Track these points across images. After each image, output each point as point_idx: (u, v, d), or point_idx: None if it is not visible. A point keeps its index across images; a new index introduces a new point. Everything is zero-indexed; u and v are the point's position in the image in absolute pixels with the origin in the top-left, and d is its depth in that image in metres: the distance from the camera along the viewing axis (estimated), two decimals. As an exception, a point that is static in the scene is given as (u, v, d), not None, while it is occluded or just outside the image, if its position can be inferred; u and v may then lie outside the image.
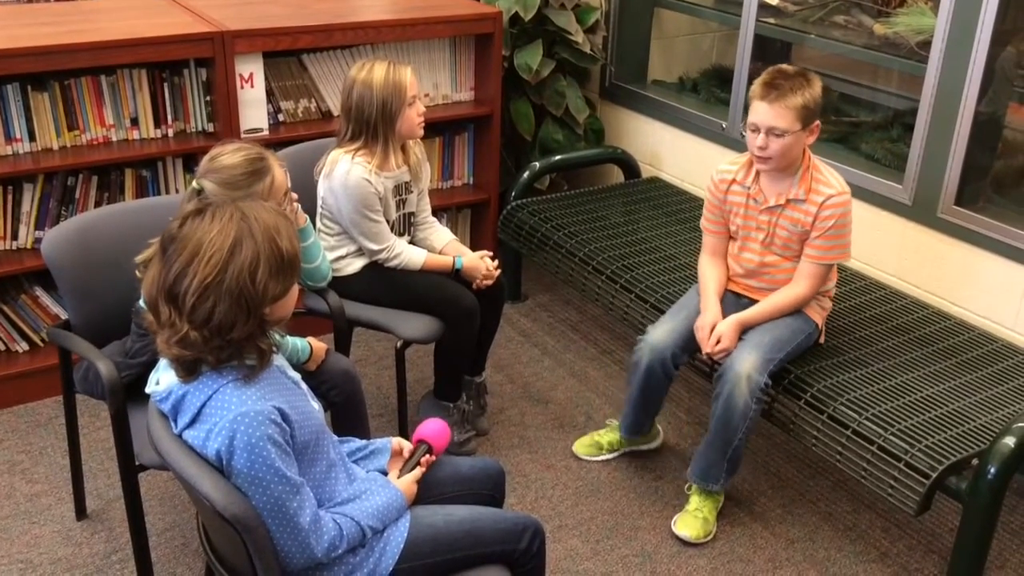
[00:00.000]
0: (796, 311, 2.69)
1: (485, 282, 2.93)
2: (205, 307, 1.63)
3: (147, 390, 1.80)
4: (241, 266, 1.64)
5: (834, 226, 2.58)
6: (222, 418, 1.65)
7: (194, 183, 2.20)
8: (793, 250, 2.66)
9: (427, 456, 2.02)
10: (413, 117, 2.77)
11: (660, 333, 2.76)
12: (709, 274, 2.78)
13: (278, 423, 1.68)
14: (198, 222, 1.66)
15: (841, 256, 2.65)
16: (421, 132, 2.84)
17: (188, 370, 1.70)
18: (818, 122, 2.55)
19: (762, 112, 2.50)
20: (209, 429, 1.67)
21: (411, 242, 2.96)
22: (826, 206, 2.56)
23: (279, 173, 2.26)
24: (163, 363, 1.78)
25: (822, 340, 2.82)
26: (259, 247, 1.65)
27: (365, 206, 2.75)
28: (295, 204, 2.44)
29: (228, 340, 1.66)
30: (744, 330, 2.66)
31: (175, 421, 1.74)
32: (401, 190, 2.87)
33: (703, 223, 2.82)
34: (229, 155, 2.21)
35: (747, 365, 2.55)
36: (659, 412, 2.99)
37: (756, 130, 2.53)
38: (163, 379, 1.76)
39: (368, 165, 2.73)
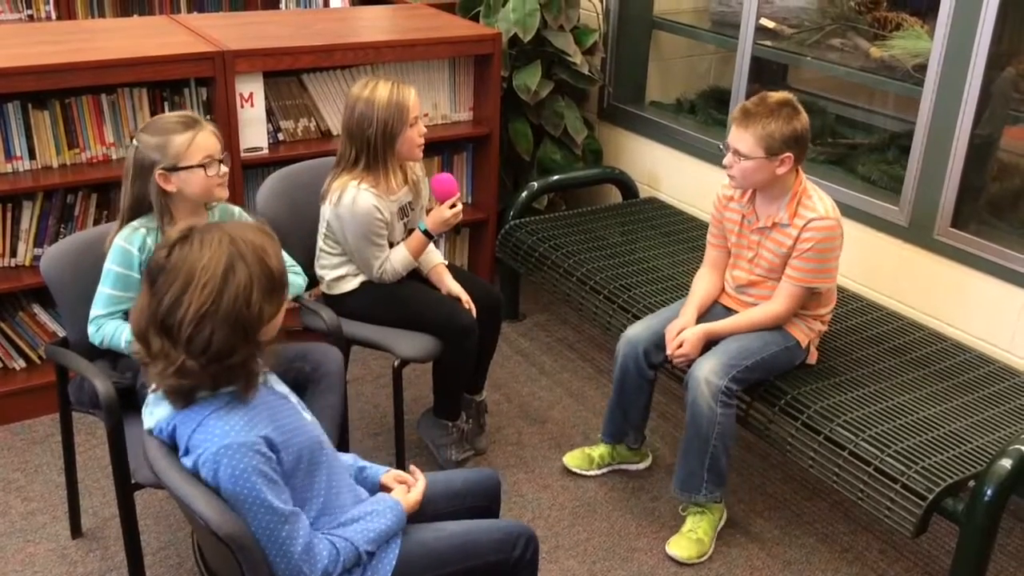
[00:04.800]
0: (771, 328, 2.70)
1: (454, 219, 2.82)
2: (203, 336, 1.62)
3: (145, 426, 1.80)
4: (236, 291, 1.62)
5: (812, 249, 2.58)
6: (206, 450, 1.65)
7: (132, 141, 2.33)
8: (778, 272, 2.68)
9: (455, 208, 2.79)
10: (414, 138, 2.76)
11: (636, 329, 2.85)
12: (699, 284, 2.86)
13: (264, 453, 1.66)
14: (187, 249, 1.64)
15: (820, 281, 2.63)
16: (420, 155, 2.83)
17: (185, 398, 1.69)
18: (790, 154, 2.53)
19: (731, 132, 2.60)
20: (195, 460, 1.67)
21: None
22: (807, 228, 2.58)
23: (209, 134, 2.34)
24: (152, 398, 1.76)
25: (811, 360, 2.81)
26: (251, 269, 1.65)
27: (371, 232, 2.74)
28: (223, 177, 2.39)
29: (227, 366, 1.65)
30: (717, 340, 2.70)
31: None
32: (406, 210, 2.88)
33: (707, 236, 2.88)
34: (164, 115, 2.40)
35: (706, 369, 2.61)
36: (643, 422, 2.97)
37: (727, 147, 2.61)
38: (156, 412, 1.75)
39: (374, 191, 2.73)
